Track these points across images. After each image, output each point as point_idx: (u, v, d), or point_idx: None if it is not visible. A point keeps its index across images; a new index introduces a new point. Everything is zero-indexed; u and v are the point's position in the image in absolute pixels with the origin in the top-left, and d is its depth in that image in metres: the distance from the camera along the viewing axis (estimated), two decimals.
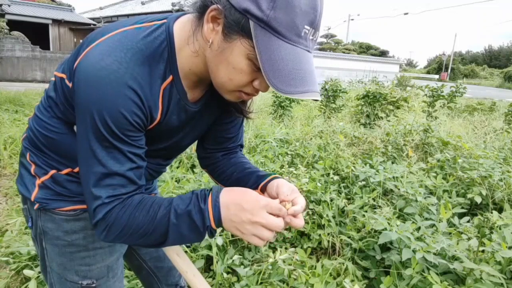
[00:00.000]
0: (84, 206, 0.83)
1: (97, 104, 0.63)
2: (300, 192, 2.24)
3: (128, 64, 0.64)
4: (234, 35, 0.62)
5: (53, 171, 0.81)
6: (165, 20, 0.72)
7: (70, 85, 0.70)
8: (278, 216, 0.69)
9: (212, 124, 0.94)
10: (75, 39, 17.52)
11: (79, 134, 0.67)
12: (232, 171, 0.95)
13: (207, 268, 1.94)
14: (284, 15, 0.59)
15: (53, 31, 16.96)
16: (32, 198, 0.82)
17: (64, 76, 0.73)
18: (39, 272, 1.65)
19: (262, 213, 0.66)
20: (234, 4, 0.60)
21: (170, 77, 0.72)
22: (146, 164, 0.88)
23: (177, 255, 0.93)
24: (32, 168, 0.83)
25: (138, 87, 0.65)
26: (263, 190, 0.85)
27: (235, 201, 0.67)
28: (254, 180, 0.88)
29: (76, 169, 0.81)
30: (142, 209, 0.68)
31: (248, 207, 0.66)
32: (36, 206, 0.83)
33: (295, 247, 2.13)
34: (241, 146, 1.04)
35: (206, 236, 0.70)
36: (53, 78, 0.78)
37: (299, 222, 0.73)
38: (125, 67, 0.63)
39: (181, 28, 0.71)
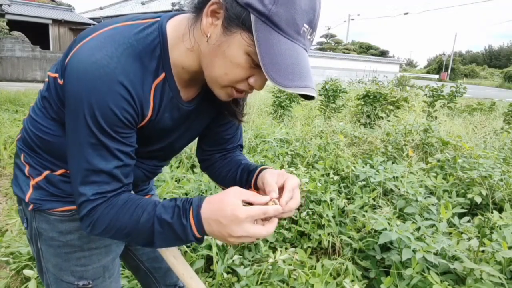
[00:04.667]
0: None
1: (87, 100, 0.62)
2: (300, 191, 2.24)
3: (119, 59, 0.63)
4: (234, 28, 0.62)
5: (47, 172, 0.81)
6: (158, 19, 0.71)
7: (61, 82, 0.70)
8: (266, 219, 0.67)
9: (208, 125, 0.93)
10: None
11: (68, 130, 0.67)
12: (227, 171, 0.95)
13: (207, 268, 1.93)
14: (285, 11, 0.59)
15: (53, 31, 16.95)
16: (27, 199, 0.82)
17: (56, 75, 0.72)
18: None
19: (242, 227, 0.63)
20: None
21: (163, 74, 0.71)
22: (142, 165, 0.88)
23: (174, 257, 0.92)
24: (26, 169, 0.82)
25: (129, 82, 0.64)
26: (256, 187, 0.83)
27: (214, 217, 0.64)
28: (246, 178, 0.88)
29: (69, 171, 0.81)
30: (127, 211, 0.68)
31: (227, 223, 0.63)
32: (30, 207, 0.82)
33: (295, 247, 2.13)
34: (241, 146, 1.02)
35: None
36: (46, 79, 0.78)
37: (294, 205, 0.71)
38: (116, 62, 0.63)
39: (175, 25, 0.71)
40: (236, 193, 0.66)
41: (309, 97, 0.64)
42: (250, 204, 0.66)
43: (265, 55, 0.60)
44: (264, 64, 0.60)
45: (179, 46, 0.70)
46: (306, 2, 0.61)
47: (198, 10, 0.68)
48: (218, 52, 0.65)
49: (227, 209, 0.63)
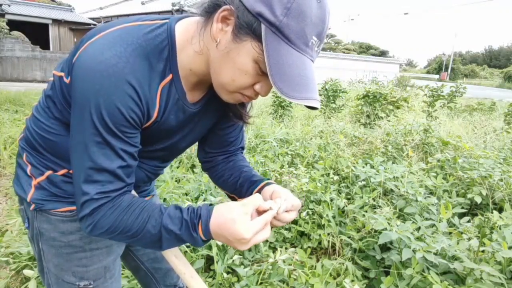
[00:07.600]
0: None
1: (95, 98, 0.62)
2: (300, 191, 2.25)
3: (128, 59, 0.63)
4: (244, 36, 0.63)
5: (49, 172, 0.81)
6: (167, 20, 0.72)
7: (67, 81, 0.70)
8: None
9: (212, 128, 0.94)
10: (75, 39, 17.51)
11: (73, 128, 0.67)
12: (229, 175, 0.96)
13: (207, 268, 1.94)
14: (296, 23, 0.60)
15: (53, 31, 16.95)
16: (28, 199, 0.82)
17: (62, 74, 0.72)
18: None
19: (249, 243, 0.67)
20: (247, 6, 0.61)
21: (170, 76, 0.71)
22: (144, 166, 0.88)
23: (175, 257, 0.92)
24: (28, 169, 0.82)
25: (137, 82, 0.65)
26: None
27: (221, 233, 0.67)
28: (247, 187, 0.89)
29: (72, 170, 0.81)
30: (132, 213, 0.68)
31: (235, 242, 0.67)
32: (32, 207, 0.82)
33: (295, 247, 2.13)
34: (242, 148, 1.03)
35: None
36: (51, 78, 0.77)
37: (288, 218, 0.75)
38: (125, 62, 0.63)
39: (184, 28, 0.71)
40: (243, 210, 0.68)
41: (313, 107, 0.65)
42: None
43: (273, 65, 0.61)
44: (271, 74, 0.61)
45: (187, 49, 0.71)
46: (317, 15, 0.61)
47: (208, 14, 0.68)
48: (226, 59, 0.66)
49: (234, 229, 0.65)
